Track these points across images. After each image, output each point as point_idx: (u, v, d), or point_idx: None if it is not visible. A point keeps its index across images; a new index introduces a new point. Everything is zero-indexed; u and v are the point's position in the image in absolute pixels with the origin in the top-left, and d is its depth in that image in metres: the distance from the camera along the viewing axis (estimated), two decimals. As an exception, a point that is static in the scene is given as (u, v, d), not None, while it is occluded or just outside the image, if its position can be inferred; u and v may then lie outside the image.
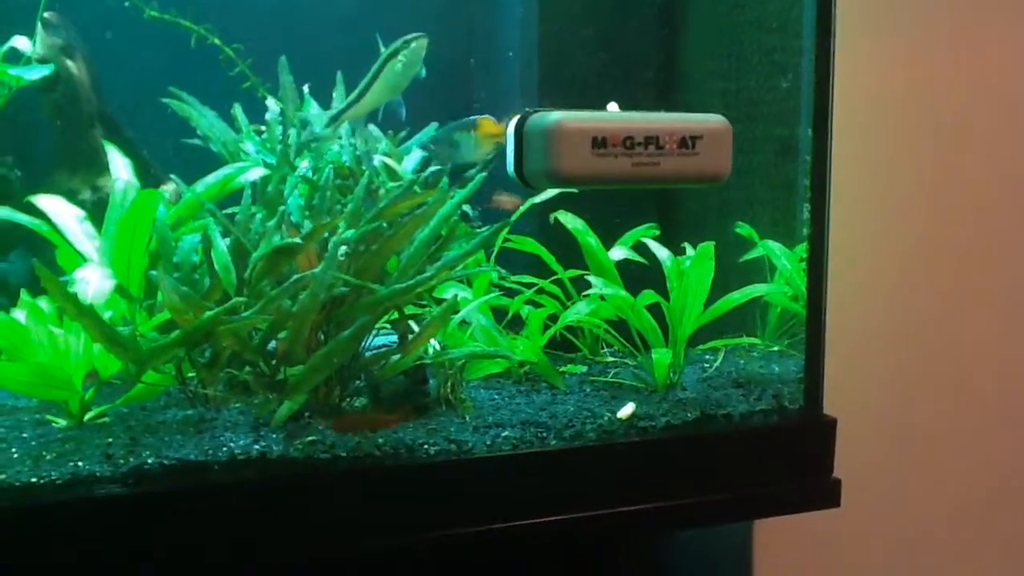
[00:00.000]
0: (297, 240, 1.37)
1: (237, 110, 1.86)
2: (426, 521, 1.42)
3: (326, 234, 1.46)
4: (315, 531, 1.37)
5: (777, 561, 2.24)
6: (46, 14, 1.86)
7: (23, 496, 1.25)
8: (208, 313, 1.31)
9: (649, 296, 1.69)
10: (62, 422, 1.47)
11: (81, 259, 1.60)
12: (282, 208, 1.47)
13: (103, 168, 1.86)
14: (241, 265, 1.50)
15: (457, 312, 1.61)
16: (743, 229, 1.90)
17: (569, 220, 1.79)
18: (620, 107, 1.50)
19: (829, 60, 1.54)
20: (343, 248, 1.36)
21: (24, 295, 1.54)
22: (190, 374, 1.53)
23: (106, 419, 1.48)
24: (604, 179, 1.34)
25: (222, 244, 1.51)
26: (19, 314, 1.49)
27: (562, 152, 1.32)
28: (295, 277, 1.36)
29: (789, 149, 1.87)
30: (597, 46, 1.93)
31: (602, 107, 1.49)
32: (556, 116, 1.33)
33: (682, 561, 1.99)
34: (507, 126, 1.41)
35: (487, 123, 1.71)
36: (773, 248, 1.83)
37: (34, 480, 1.27)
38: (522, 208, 1.83)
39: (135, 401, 1.52)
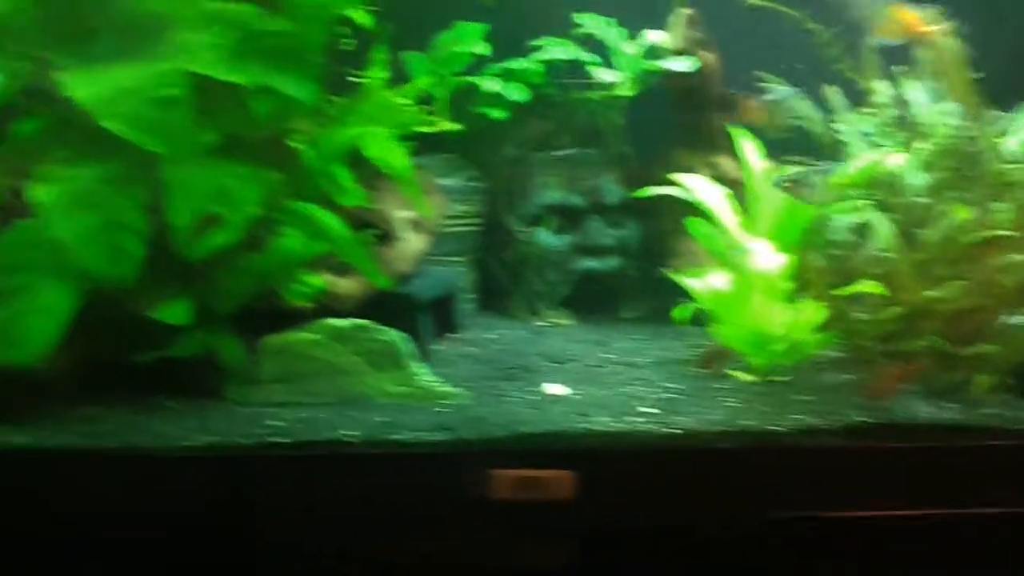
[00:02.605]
0: (1012, 233, 1.47)
1: (832, 92, 1.97)
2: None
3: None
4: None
5: None
6: (688, 11, 2.08)
7: (767, 440, 1.46)
8: (931, 292, 1.45)
9: None
10: (747, 377, 1.68)
11: (716, 230, 1.79)
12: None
13: (720, 148, 2.07)
14: (905, 245, 1.63)
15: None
16: None
17: None
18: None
19: None
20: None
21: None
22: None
23: (787, 378, 1.68)
24: None
25: (887, 227, 1.65)
26: (713, 280, 1.72)
27: None
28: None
29: None
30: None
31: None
32: None
33: None
34: None
35: (903, 13, 1.59)
36: None
37: (769, 427, 1.48)
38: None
39: (791, 362, 1.71)
